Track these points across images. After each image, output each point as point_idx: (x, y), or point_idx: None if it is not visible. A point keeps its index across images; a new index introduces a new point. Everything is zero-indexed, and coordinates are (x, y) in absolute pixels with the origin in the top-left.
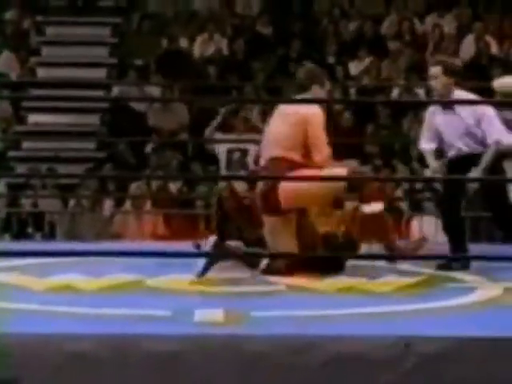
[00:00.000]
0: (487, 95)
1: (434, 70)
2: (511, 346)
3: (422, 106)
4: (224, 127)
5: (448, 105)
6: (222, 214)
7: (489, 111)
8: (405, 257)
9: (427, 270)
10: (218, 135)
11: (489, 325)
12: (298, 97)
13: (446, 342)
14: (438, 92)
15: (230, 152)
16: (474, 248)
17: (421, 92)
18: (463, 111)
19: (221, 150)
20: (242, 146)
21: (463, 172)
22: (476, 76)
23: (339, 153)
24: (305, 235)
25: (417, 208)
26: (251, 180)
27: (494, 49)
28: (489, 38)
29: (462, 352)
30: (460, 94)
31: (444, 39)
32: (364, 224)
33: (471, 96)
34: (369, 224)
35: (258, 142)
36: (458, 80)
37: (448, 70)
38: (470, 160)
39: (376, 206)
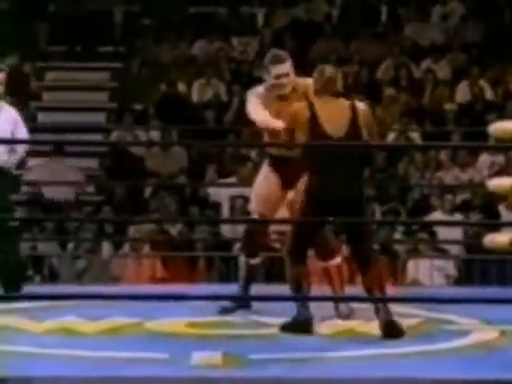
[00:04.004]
0: (482, 140)
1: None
2: None
3: (417, 150)
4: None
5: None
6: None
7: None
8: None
9: (422, 312)
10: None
11: (483, 368)
12: None
13: None
14: None
15: (232, 199)
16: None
17: (416, 136)
18: (3, 114)
19: (223, 196)
20: (244, 191)
21: None
22: (471, 121)
23: None
24: None
25: (413, 251)
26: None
27: (489, 94)
28: (483, 84)
29: None
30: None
31: (439, 84)
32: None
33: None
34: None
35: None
36: None
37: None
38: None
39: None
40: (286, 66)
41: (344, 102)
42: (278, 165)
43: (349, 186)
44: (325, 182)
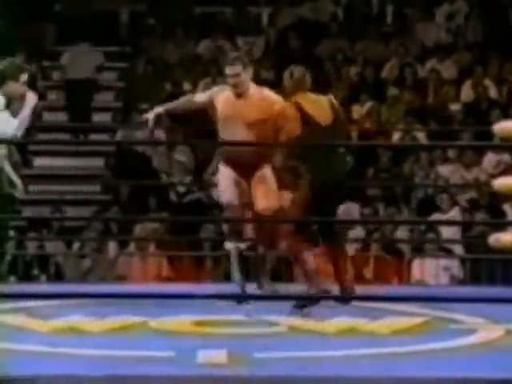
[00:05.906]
0: (487, 139)
1: None
2: None
3: (422, 150)
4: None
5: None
6: None
7: None
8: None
9: (428, 311)
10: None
11: (488, 367)
12: None
13: None
14: None
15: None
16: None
17: (421, 136)
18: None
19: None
20: None
21: None
22: (476, 120)
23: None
24: None
25: (418, 250)
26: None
27: (493, 93)
28: (488, 83)
29: None
30: None
31: (443, 84)
32: None
33: None
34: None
35: None
36: None
37: None
38: None
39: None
40: (237, 68)
41: (322, 96)
42: (229, 161)
43: (338, 171)
44: (320, 171)
